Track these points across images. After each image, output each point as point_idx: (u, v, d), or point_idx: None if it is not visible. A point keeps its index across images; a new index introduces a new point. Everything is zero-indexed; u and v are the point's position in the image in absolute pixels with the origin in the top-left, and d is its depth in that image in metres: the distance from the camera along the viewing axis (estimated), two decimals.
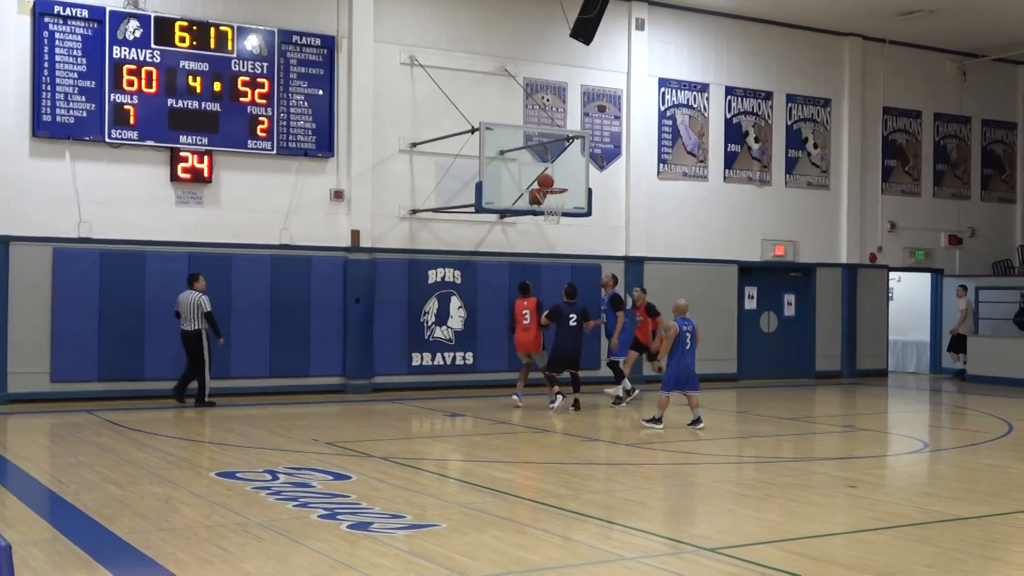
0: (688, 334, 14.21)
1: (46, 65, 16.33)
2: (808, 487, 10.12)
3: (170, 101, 17.09)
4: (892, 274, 25.01)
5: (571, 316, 16.22)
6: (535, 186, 17.08)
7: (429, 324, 19.17)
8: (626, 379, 17.26)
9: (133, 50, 16.84)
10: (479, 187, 16.98)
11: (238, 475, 10.20)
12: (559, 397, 16.13)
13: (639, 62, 21.27)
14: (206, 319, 16.10)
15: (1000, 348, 22.82)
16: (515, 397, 16.57)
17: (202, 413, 15.56)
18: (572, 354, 16.24)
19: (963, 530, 8.29)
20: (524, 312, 16.57)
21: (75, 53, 16.52)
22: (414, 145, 19.07)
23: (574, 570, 6.98)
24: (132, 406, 16.07)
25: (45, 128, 16.37)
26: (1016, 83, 26.34)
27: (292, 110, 18.08)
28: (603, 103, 21.05)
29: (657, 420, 14.08)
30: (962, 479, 11.08)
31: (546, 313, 16.39)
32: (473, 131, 17.78)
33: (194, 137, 17.28)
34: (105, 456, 11.35)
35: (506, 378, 18.99)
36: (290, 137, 18.06)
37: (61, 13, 16.42)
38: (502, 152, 17.59)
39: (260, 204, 17.96)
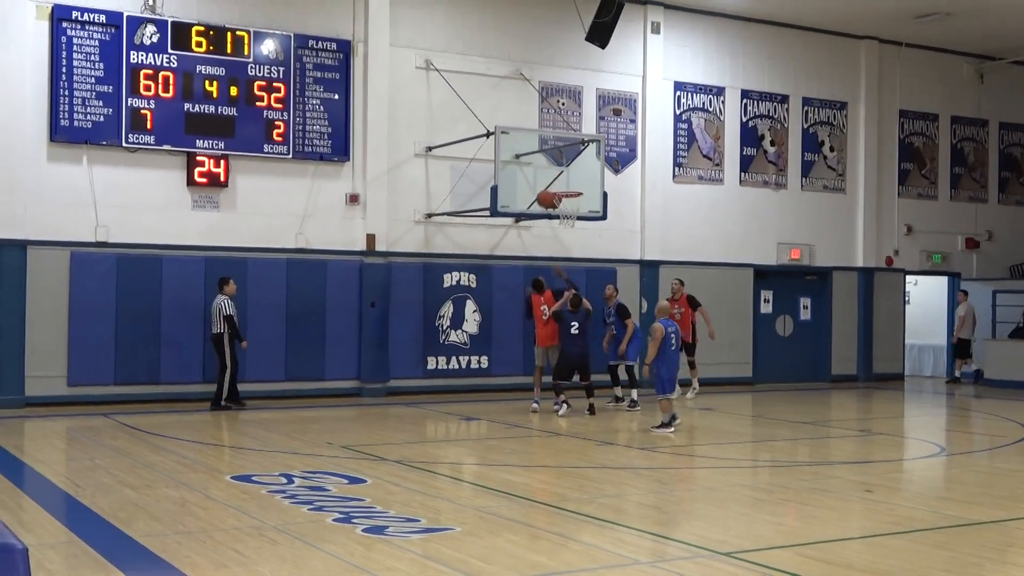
0: (672, 335, 14.24)
1: (64, 70, 16.42)
2: (824, 491, 10.09)
3: (187, 106, 17.16)
4: (909, 277, 24.91)
5: (573, 324, 16.10)
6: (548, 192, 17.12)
7: (444, 328, 19.18)
8: (634, 390, 17.06)
9: (150, 55, 16.92)
10: (494, 191, 16.99)
11: (254, 478, 10.23)
12: (565, 405, 16.06)
13: (654, 65, 21.26)
14: (226, 323, 16.17)
15: (1017, 351, 22.68)
16: (535, 404, 16.49)
17: (217, 416, 15.60)
18: (578, 360, 16.17)
19: (980, 535, 8.25)
20: (543, 307, 16.55)
21: (92, 58, 16.60)
22: (429, 149, 19.10)
23: (589, 574, 6.97)
24: (148, 409, 16.12)
25: (63, 133, 16.45)
26: None
27: (308, 114, 18.13)
28: (618, 107, 21.04)
29: (667, 424, 14.05)
30: (979, 483, 11.02)
31: (552, 310, 16.34)
32: (488, 135, 17.79)
33: (210, 141, 17.34)
34: (121, 459, 11.39)
35: (521, 382, 18.97)
36: (306, 141, 18.11)
37: (79, 18, 16.50)
38: (517, 156, 17.60)
39: (276, 208, 18.00)
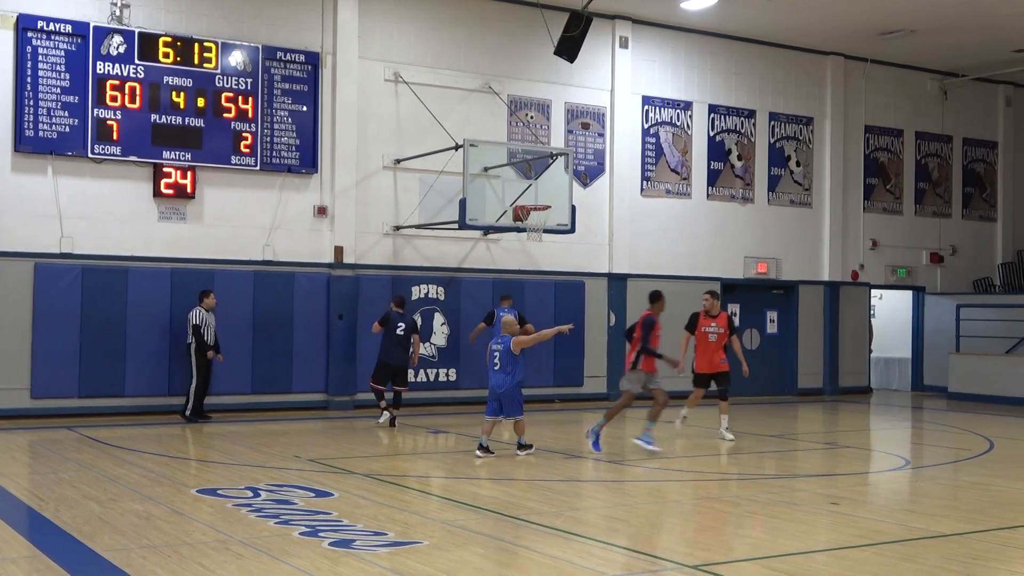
0: (496, 353, 12.75)
1: (29, 80, 16.29)
2: (791, 504, 10.13)
3: (153, 117, 17.06)
4: (874, 291, 25.11)
5: (399, 325, 16.08)
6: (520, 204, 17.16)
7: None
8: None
9: (117, 65, 16.82)
10: (463, 204, 17.00)
11: (219, 492, 10.15)
12: (385, 413, 16.02)
13: (623, 80, 21.35)
14: (193, 333, 16.12)
15: (981, 366, 22.90)
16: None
17: (183, 429, 15.48)
18: (397, 365, 16.10)
19: (945, 547, 8.30)
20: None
21: (58, 68, 16.49)
22: (398, 162, 19.08)
23: None
24: (113, 422, 15.98)
25: (27, 143, 16.32)
26: (997, 102, 26.52)
27: (276, 126, 18.08)
28: (587, 120, 21.12)
29: (482, 447, 12.93)
30: (944, 496, 11.11)
31: (379, 319, 16.29)
32: (457, 148, 17.80)
33: (177, 153, 17.25)
34: (85, 473, 11.28)
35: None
36: (274, 153, 18.05)
37: (45, 28, 16.39)
38: (486, 169, 17.62)
39: (243, 220, 17.93)
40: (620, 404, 13.66)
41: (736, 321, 15.10)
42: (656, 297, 14.11)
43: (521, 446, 13.03)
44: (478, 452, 12.83)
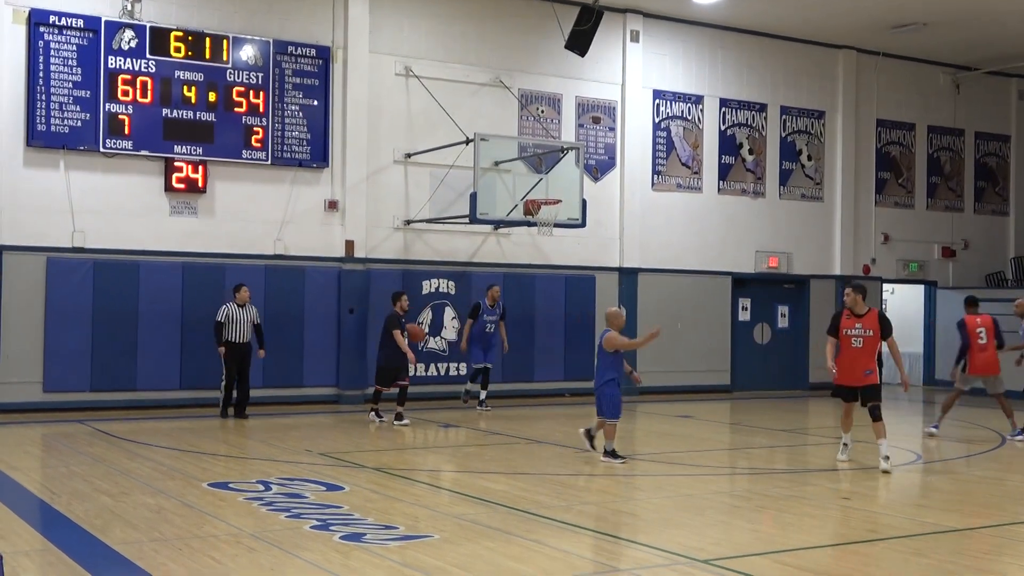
0: (597, 347, 12.24)
1: (41, 74, 16.33)
2: (802, 499, 10.12)
3: (165, 111, 17.09)
4: (886, 286, 25.04)
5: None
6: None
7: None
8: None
9: (128, 60, 16.84)
10: (473, 198, 16.99)
11: (231, 486, 10.18)
12: (377, 417, 15.84)
13: (634, 74, 21.32)
14: (215, 331, 16.12)
15: None
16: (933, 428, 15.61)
17: (195, 423, 15.51)
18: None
19: (957, 542, 8.29)
20: (979, 330, 16.12)
21: (70, 63, 16.52)
22: (409, 156, 19.08)
23: None
24: (125, 416, 16.03)
25: (39, 137, 16.36)
26: (1009, 95, 26.41)
27: (287, 120, 18.09)
28: (598, 114, 21.08)
29: (610, 454, 12.13)
30: (956, 491, 11.08)
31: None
32: (468, 142, 17.79)
33: (189, 147, 17.27)
34: (97, 466, 11.32)
35: (499, 389, 18.97)
36: (285, 147, 18.06)
37: (56, 23, 16.42)
38: (497, 163, 17.62)
39: (254, 214, 17.95)
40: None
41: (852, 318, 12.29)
42: (976, 301, 16.25)
43: (607, 453, 12.03)
44: (618, 462, 11.92)
